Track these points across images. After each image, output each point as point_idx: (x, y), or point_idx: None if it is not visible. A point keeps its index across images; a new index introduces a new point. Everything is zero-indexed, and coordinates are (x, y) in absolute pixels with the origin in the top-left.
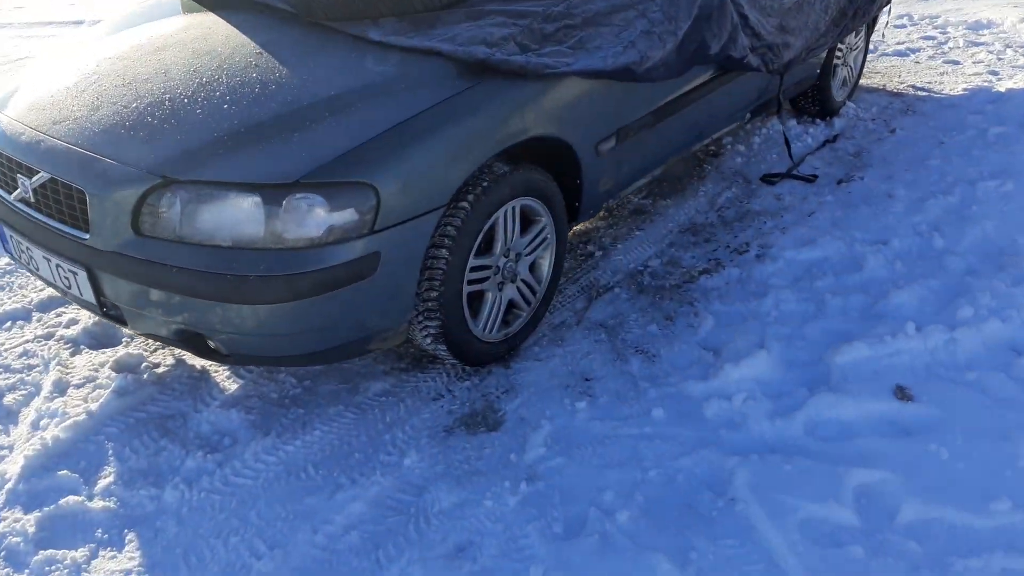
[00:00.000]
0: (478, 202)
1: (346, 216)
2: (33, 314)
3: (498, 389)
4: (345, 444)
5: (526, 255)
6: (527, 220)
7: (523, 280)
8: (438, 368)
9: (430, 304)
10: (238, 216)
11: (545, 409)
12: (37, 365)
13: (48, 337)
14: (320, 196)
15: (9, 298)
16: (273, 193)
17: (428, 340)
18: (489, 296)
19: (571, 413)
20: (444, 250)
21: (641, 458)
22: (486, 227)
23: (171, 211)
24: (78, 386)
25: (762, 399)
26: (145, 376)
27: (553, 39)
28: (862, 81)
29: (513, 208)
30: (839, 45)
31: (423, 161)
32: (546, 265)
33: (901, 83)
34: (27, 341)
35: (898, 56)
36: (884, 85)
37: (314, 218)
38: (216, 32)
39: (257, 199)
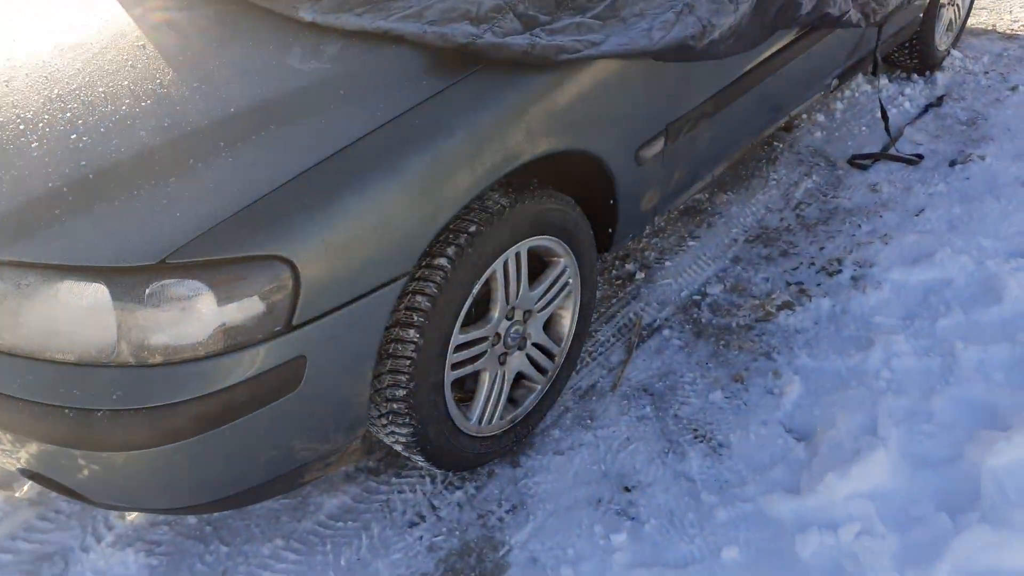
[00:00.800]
0: (462, 257)
1: (245, 309)
2: None
3: (501, 505)
4: None
5: (539, 311)
6: (539, 262)
7: (536, 344)
8: (419, 469)
9: (396, 407)
10: (78, 316)
11: (568, 545)
12: None
13: None
14: (200, 282)
15: None
16: (128, 280)
17: (399, 447)
18: (486, 376)
19: (605, 553)
20: (412, 330)
21: None
22: (476, 288)
23: None
24: None
25: (884, 533)
26: (24, 489)
27: (571, 6)
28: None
29: (517, 254)
30: None
31: (372, 211)
32: (567, 320)
33: (1014, 21)
34: None
35: None
36: (993, 25)
37: (193, 315)
38: (96, 14)
39: (103, 289)
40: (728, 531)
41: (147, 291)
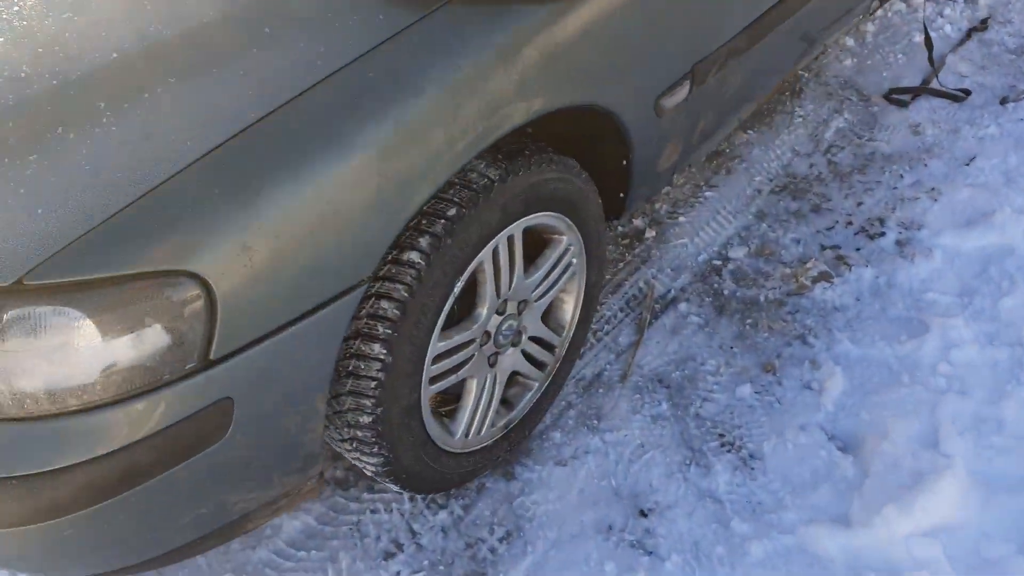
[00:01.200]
0: (440, 249)
1: (143, 343)
2: None
3: (493, 532)
4: None
5: (536, 301)
6: (536, 239)
7: (533, 337)
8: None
9: (361, 434)
10: None
11: None
12: None
13: None
14: (75, 309)
15: None
16: None
17: (367, 472)
18: (473, 384)
19: None
20: (378, 345)
21: None
22: (459, 285)
23: None
24: None
25: None
26: None
27: None
28: None
29: (510, 238)
30: None
31: (313, 200)
32: (570, 305)
33: None
34: None
35: None
36: None
37: (69, 354)
38: None
39: None
40: (765, 572)
41: (2, 320)
